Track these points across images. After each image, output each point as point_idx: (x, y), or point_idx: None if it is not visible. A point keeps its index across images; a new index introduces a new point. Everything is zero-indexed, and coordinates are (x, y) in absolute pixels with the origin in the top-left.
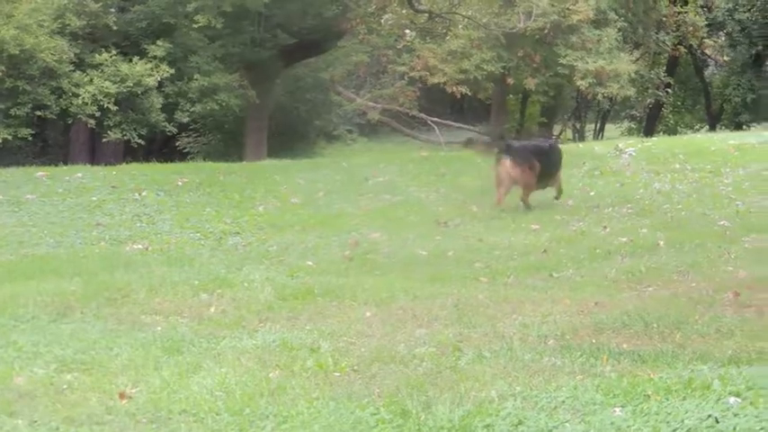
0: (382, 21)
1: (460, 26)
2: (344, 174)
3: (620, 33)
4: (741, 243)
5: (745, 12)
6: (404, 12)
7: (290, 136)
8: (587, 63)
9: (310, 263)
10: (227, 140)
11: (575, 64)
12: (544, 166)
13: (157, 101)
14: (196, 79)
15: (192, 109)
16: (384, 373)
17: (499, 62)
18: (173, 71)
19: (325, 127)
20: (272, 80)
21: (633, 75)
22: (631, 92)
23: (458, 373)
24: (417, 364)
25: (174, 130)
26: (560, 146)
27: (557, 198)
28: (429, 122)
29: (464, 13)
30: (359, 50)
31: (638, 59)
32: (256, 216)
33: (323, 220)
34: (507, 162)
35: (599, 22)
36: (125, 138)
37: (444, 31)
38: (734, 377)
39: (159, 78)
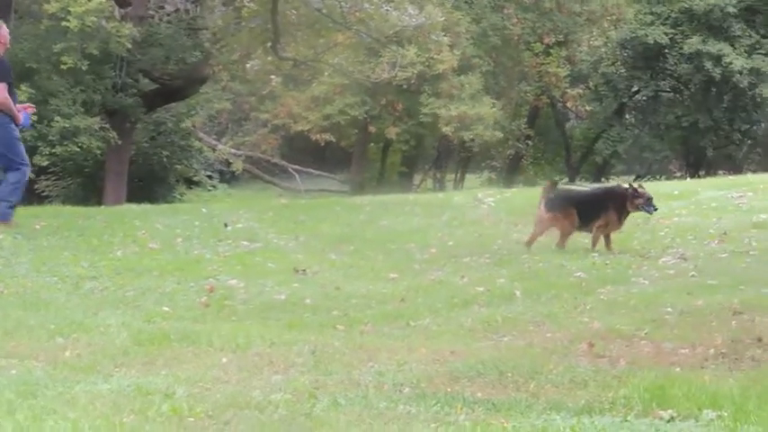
0: (248, 67)
1: (326, 73)
2: (204, 219)
3: (483, 79)
4: (596, 294)
5: (609, 65)
6: (269, 59)
7: (151, 181)
8: (450, 110)
9: (167, 308)
10: (86, 184)
11: (438, 111)
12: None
13: None
14: (57, 121)
15: (52, 151)
16: (239, 419)
17: (363, 107)
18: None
19: (185, 172)
20: (133, 125)
21: (497, 119)
22: (499, 135)
23: (312, 420)
24: (272, 410)
25: (32, 175)
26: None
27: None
28: (290, 170)
29: (329, 62)
30: (221, 97)
31: (500, 110)
32: (114, 261)
33: (181, 265)
34: (542, 207)
35: (463, 69)
36: None
37: (309, 78)
38: (586, 427)
39: None
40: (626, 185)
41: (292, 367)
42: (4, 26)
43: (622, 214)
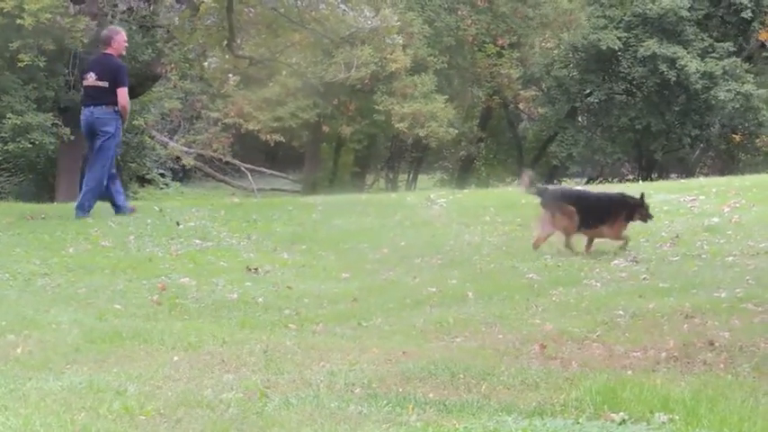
0: (205, 65)
1: (284, 73)
2: (156, 218)
3: (437, 79)
4: (548, 296)
5: (561, 67)
6: (226, 57)
7: None
8: (403, 107)
9: (119, 306)
10: (38, 181)
11: (391, 108)
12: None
13: None
14: (9, 118)
15: (4, 148)
16: (190, 418)
17: (314, 109)
18: None
19: (138, 170)
20: None
21: (450, 119)
22: (453, 133)
23: (264, 419)
24: (223, 409)
25: None
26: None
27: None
28: (242, 169)
29: (286, 61)
30: (172, 96)
31: (454, 109)
32: (66, 258)
33: (133, 263)
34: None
35: (416, 69)
36: None
37: (266, 78)
38: (537, 429)
39: None
40: (635, 196)
41: (244, 366)
42: (123, 33)
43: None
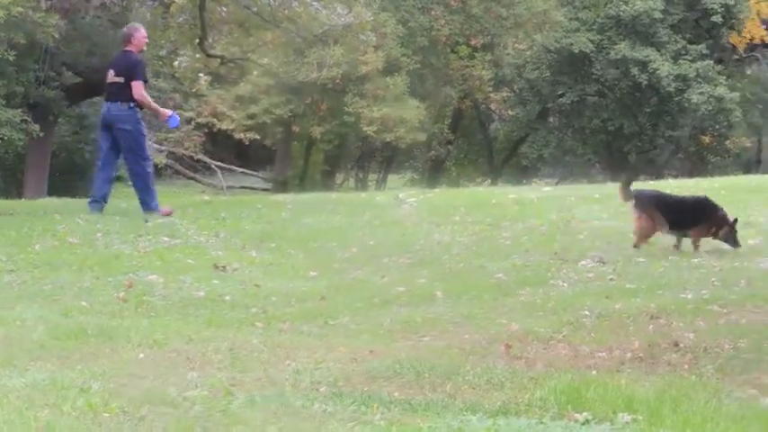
0: (175, 64)
1: (255, 72)
2: (124, 214)
3: (409, 80)
4: (515, 296)
5: (534, 69)
6: (197, 56)
7: (73, 175)
8: (373, 111)
9: (85, 303)
10: (6, 177)
11: (361, 111)
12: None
13: None
14: None
15: None
16: (154, 416)
17: (287, 105)
18: None
19: None
20: (55, 118)
21: (421, 121)
22: (423, 138)
23: (228, 417)
24: (188, 407)
25: None
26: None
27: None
28: (212, 166)
29: (258, 60)
30: None
31: (425, 110)
32: (32, 254)
33: (100, 260)
34: (633, 209)
35: (389, 70)
36: None
37: (237, 77)
38: (501, 428)
39: None
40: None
41: (209, 364)
42: (142, 30)
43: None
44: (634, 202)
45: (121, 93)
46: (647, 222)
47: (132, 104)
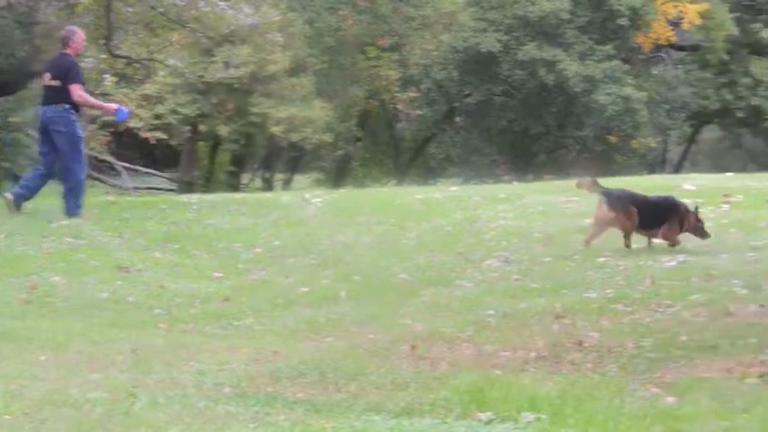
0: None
1: (161, 73)
2: (28, 215)
3: (316, 80)
4: (419, 296)
5: (441, 69)
6: (103, 57)
7: None
8: (279, 111)
9: None
10: None
11: (267, 112)
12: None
13: None
14: None
15: None
16: (55, 418)
17: (194, 105)
18: None
19: (12, 168)
20: None
21: (327, 122)
22: (329, 137)
23: (131, 419)
24: (90, 408)
25: None
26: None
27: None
28: (117, 167)
29: (164, 61)
30: None
31: (332, 110)
32: None
33: (3, 261)
34: (603, 206)
35: (295, 70)
36: None
37: (143, 78)
38: (405, 428)
39: None
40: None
41: (112, 365)
42: (81, 33)
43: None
44: (605, 199)
45: (57, 96)
46: (628, 221)
47: (68, 107)
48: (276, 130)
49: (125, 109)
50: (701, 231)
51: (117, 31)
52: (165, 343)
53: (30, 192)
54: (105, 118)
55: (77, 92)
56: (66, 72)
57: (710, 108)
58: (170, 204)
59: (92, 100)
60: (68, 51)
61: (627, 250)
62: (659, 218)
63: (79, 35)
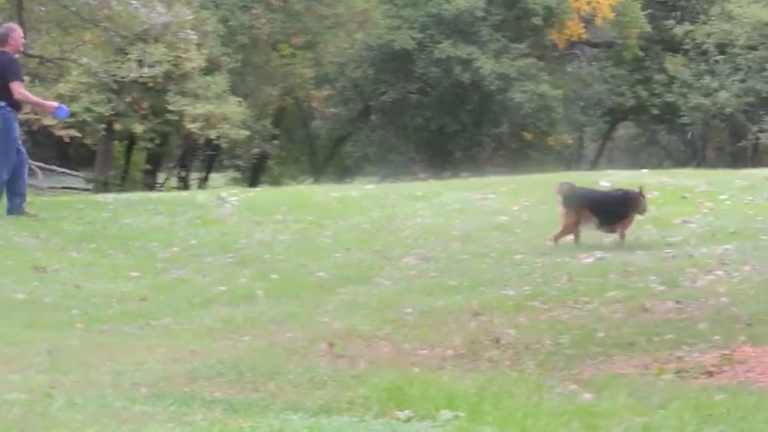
0: None
1: (75, 72)
2: None
3: (230, 79)
4: (337, 294)
5: (356, 67)
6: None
7: None
8: (196, 108)
9: None
10: None
11: (184, 109)
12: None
13: None
14: None
15: None
16: None
17: (109, 104)
18: None
19: None
20: None
21: (243, 118)
22: (246, 134)
23: (47, 420)
24: (7, 410)
25: None
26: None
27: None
28: (32, 167)
29: (77, 60)
30: None
31: (247, 108)
32: None
33: None
34: (560, 206)
35: (210, 68)
36: None
37: (56, 77)
38: (324, 427)
39: None
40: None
41: (29, 366)
42: (18, 30)
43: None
44: (562, 199)
45: None
46: (572, 219)
47: (3, 104)
48: (193, 126)
49: (65, 107)
50: (646, 209)
51: (29, 30)
52: (83, 343)
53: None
54: (20, 116)
55: (18, 89)
56: (6, 70)
57: (625, 105)
58: (86, 204)
59: (33, 97)
60: (7, 49)
61: (544, 247)
62: (620, 213)
63: (17, 32)
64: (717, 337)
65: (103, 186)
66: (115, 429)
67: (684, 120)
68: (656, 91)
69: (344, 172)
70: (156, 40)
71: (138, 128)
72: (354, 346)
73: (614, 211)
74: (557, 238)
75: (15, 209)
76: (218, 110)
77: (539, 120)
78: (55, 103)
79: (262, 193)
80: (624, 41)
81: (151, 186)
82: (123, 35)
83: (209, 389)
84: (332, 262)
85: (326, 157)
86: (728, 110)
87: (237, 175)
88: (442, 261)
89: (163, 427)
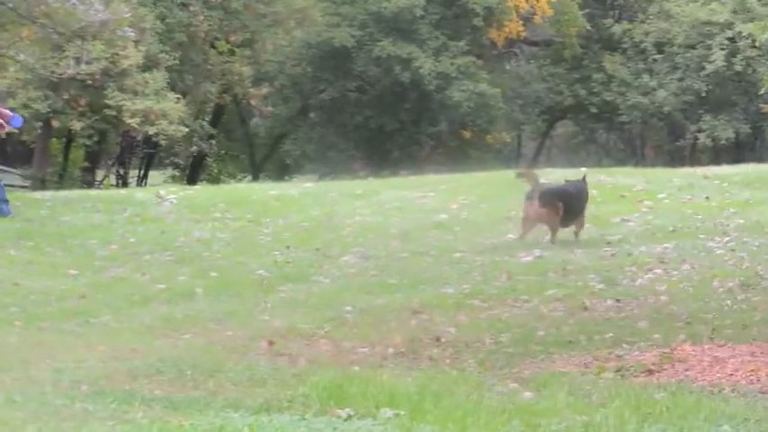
0: None
1: (12, 69)
2: None
3: (168, 76)
4: (277, 293)
5: (295, 65)
6: None
7: None
8: (135, 104)
9: None
10: None
11: (122, 104)
12: (569, 209)
13: None
14: None
15: None
16: None
17: (46, 101)
18: None
19: None
20: None
21: (182, 115)
22: (184, 131)
23: None
24: None
25: None
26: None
27: (576, 235)
28: None
29: (15, 57)
30: None
31: (185, 106)
32: None
33: None
34: (535, 203)
35: (148, 65)
36: None
37: None
38: (264, 425)
39: None
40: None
41: None
42: None
43: None
44: (537, 194)
45: None
46: (554, 216)
47: None
48: (132, 122)
49: (19, 116)
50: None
51: None
52: (22, 341)
53: None
54: None
55: None
56: None
57: (564, 103)
58: (23, 201)
59: None
60: None
61: (483, 245)
62: (582, 206)
63: None
64: (657, 336)
65: (41, 184)
66: (55, 427)
67: (623, 118)
68: (595, 90)
69: (283, 170)
70: (94, 37)
71: (77, 125)
72: (294, 345)
73: (578, 203)
74: (553, 241)
75: None
76: (156, 106)
77: (477, 118)
78: (9, 112)
79: (200, 191)
80: (563, 40)
81: (89, 184)
82: (61, 32)
83: (149, 387)
84: (271, 260)
85: (265, 155)
86: (667, 109)
87: (176, 173)
88: (382, 259)
89: (103, 425)
